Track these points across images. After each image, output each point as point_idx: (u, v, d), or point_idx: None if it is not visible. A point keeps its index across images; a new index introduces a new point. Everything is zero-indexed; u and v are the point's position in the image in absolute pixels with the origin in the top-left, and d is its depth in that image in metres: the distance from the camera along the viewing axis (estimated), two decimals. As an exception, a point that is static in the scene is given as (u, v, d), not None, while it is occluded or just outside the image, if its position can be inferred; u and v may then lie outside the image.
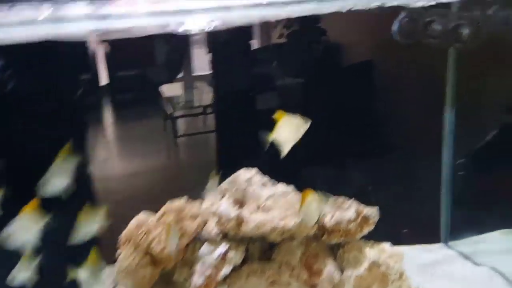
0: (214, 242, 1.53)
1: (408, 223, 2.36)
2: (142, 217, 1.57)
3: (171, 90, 2.99)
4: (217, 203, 1.56)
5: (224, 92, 2.47)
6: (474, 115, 2.19)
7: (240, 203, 1.53)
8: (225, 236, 1.54)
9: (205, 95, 2.89)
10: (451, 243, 2.17)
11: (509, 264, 1.91)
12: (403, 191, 2.39)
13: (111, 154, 2.72)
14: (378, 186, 2.36)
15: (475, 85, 2.08)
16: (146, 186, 2.38)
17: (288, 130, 1.32)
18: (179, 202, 1.55)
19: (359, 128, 2.42)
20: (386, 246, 1.70)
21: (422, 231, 2.29)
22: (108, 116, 2.73)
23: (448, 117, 2.10)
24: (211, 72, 2.63)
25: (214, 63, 2.57)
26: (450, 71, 1.99)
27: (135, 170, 2.64)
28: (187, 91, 3.00)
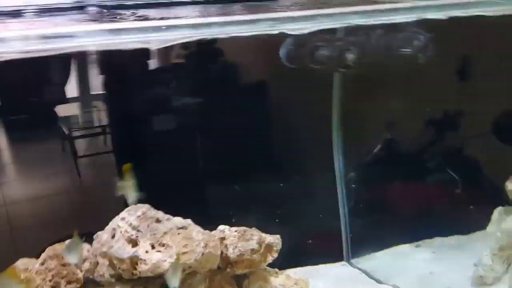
0: (108, 285, 1.40)
1: (311, 241, 2.35)
2: (21, 264, 1.39)
3: (67, 110, 2.79)
4: (108, 243, 1.42)
5: (120, 112, 2.39)
6: (360, 131, 2.27)
7: (133, 241, 1.40)
8: (119, 278, 1.41)
9: (103, 115, 2.72)
10: (353, 260, 2.18)
11: (409, 280, 1.95)
12: (304, 210, 2.39)
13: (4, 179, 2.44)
14: (278, 208, 2.34)
15: (360, 105, 2.16)
16: (43, 212, 2.18)
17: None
18: (59, 246, 1.39)
19: (255, 148, 2.42)
20: (291, 273, 1.66)
21: (326, 249, 2.28)
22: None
23: (335, 134, 2.16)
24: (107, 91, 2.52)
25: (109, 83, 2.47)
26: (335, 93, 2.06)
27: (32, 195, 2.40)
28: (84, 111, 2.82)
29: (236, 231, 1.59)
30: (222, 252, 1.52)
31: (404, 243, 2.20)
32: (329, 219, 2.24)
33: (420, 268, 2.05)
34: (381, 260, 2.14)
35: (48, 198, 2.23)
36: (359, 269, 2.11)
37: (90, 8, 1.19)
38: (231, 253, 1.52)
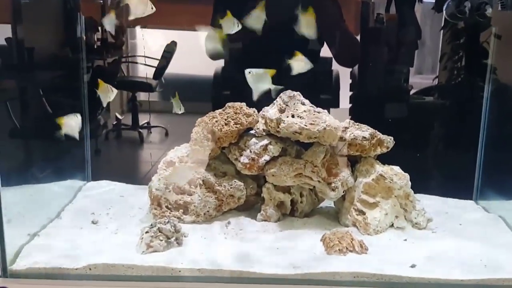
0: (260, 137, 2.12)
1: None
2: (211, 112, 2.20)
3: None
4: (267, 110, 2.13)
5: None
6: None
7: (282, 110, 2.08)
8: (269, 133, 2.12)
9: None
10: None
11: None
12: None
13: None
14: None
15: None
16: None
17: None
18: (238, 103, 2.15)
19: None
20: (395, 167, 2.15)
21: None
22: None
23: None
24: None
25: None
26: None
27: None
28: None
29: (357, 124, 2.17)
30: (342, 137, 2.12)
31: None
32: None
33: None
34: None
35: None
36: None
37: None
38: (347, 136, 2.10)
